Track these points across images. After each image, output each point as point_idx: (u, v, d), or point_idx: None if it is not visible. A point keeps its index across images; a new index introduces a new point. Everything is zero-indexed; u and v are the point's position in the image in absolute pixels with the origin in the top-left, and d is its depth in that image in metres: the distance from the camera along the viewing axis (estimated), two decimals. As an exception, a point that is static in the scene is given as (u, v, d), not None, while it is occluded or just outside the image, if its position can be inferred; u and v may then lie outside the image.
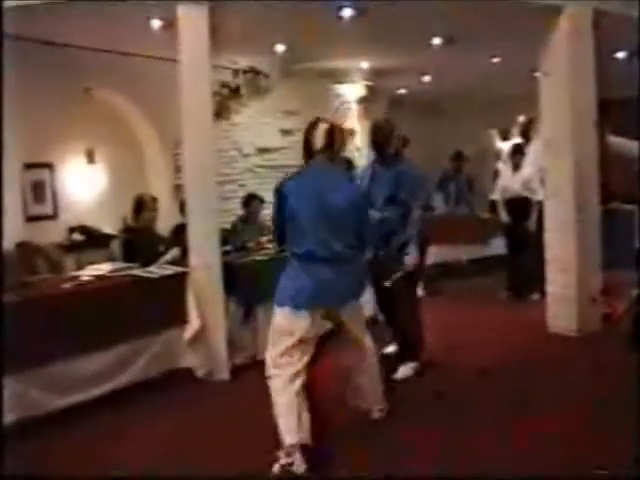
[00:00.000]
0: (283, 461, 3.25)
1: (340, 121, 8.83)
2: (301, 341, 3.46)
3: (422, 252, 4.79)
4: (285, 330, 3.47)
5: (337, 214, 3.51)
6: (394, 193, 4.62)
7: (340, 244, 3.52)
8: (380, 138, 4.71)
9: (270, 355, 3.52)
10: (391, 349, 5.06)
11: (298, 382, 3.43)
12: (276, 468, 3.25)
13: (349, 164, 5.94)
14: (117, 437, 3.84)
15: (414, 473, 3.28)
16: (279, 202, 3.57)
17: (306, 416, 3.39)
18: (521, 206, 7.01)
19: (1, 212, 4.04)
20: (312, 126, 3.66)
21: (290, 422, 3.34)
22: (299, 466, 3.23)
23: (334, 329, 3.85)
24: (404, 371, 4.72)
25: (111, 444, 3.75)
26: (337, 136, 3.65)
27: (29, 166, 6.32)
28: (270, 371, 3.50)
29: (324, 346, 3.93)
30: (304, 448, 3.29)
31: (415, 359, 4.80)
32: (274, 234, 3.80)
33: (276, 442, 3.32)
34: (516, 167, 7.18)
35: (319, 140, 3.61)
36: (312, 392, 3.57)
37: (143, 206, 5.51)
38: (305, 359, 3.50)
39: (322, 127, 3.64)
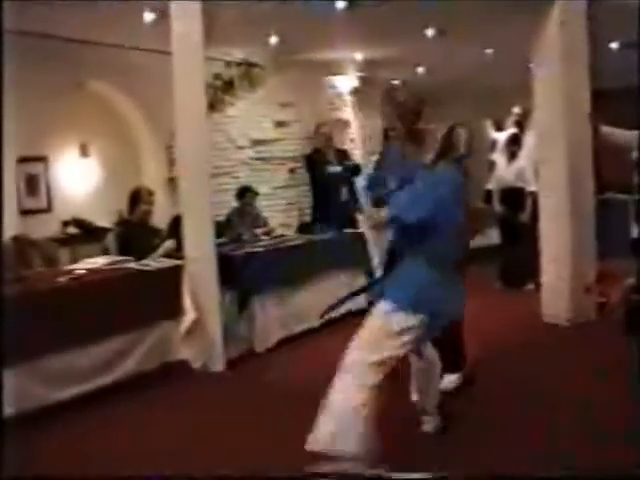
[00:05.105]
0: None
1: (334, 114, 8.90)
2: None
3: None
4: None
5: None
6: None
7: None
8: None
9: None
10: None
11: None
12: None
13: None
14: (113, 430, 3.84)
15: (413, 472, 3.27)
16: None
17: None
18: (515, 196, 7.03)
19: (1, 207, 4.00)
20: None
21: None
22: None
23: None
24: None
25: (107, 437, 3.75)
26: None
27: (23, 159, 6.30)
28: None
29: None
30: None
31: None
32: None
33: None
34: (512, 157, 7.18)
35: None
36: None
37: (139, 199, 5.50)
38: None
39: None
